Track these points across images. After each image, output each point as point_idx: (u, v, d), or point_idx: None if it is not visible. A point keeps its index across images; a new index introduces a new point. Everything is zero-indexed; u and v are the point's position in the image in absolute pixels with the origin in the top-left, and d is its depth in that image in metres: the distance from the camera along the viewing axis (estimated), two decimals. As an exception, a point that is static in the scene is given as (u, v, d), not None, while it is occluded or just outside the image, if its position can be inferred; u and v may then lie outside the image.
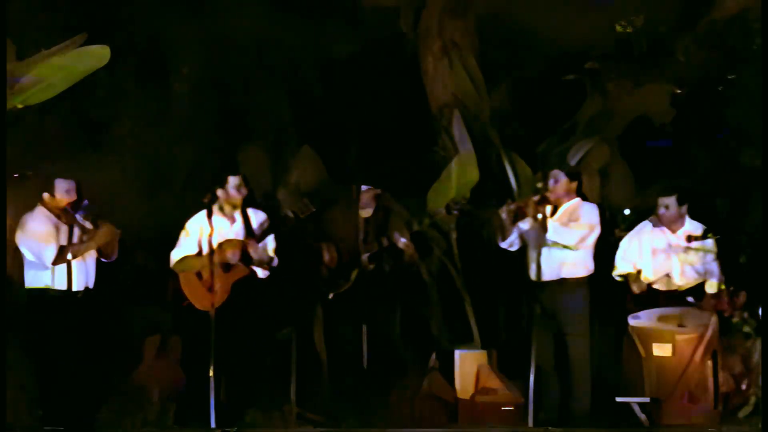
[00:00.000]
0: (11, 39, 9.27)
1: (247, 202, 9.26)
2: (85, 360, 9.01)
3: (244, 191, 9.15)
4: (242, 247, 9.05)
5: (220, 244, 8.99)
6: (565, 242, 9.02)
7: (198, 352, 8.87)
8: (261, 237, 9.13)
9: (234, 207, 9.16)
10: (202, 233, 9.07)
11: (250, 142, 11.00)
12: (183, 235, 9.19)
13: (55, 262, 8.87)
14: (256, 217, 9.23)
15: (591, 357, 9.14)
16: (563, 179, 9.20)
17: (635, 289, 9.25)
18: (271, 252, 9.18)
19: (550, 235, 9.00)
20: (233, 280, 9.02)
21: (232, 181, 9.13)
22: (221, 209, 9.14)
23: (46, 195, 9.01)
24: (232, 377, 9.02)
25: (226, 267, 9.03)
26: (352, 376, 9.56)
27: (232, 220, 9.18)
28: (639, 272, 9.30)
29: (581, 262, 9.14)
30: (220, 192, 9.11)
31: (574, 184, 9.25)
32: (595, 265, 9.19)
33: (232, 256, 8.97)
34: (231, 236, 9.09)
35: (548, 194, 9.14)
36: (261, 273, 9.19)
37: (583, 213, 9.16)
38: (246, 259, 9.07)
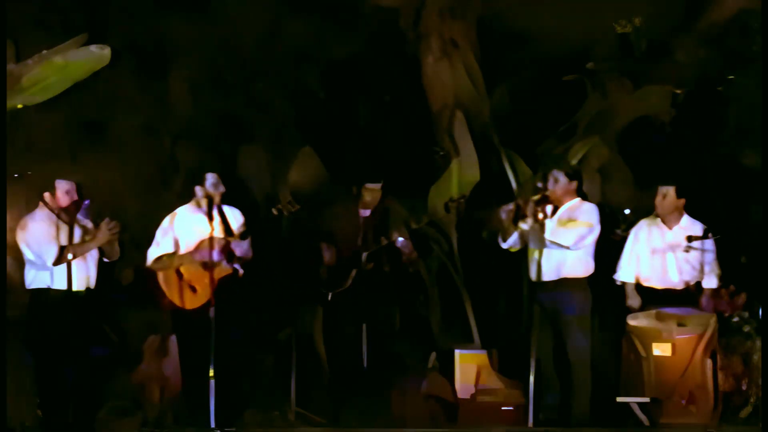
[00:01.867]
0: (11, 39, 9.28)
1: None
2: (85, 360, 9.01)
3: (222, 188, 9.13)
4: (224, 245, 9.03)
5: (202, 242, 8.98)
6: (563, 242, 9.02)
7: (195, 351, 8.86)
8: (241, 235, 9.11)
9: (212, 204, 9.12)
10: (181, 231, 9.07)
11: (250, 142, 11.00)
12: (159, 233, 9.17)
13: (56, 263, 8.87)
14: (233, 214, 9.21)
15: (591, 357, 9.15)
16: (563, 179, 9.20)
17: (629, 303, 9.29)
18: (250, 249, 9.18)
19: (548, 236, 9.00)
20: (216, 278, 8.97)
21: (210, 178, 9.12)
22: (198, 206, 9.13)
23: (46, 195, 9.01)
24: (227, 377, 9.01)
25: (208, 265, 8.97)
26: (352, 376, 9.56)
27: (210, 217, 9.15)
28: (638, 282, 9.37)
29: (581, 262, 9.13)
30: (198, 189, 9.09)
31: (574, 184, 9.25)
32: (596, 265, 9.20)
33: (208, 254, 8.94)
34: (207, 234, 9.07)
35: (548, 194, 9.14)
36: (242, 271, 9.18)
37: (582, 213, 9.16)
38: (228, 257, 9.05)
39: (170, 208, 9.29)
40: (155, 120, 10.80)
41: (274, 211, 9.07)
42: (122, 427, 9.38)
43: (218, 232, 9.03)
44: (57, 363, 8.87)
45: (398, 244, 9.35)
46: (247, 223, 9.13)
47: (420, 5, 11.16)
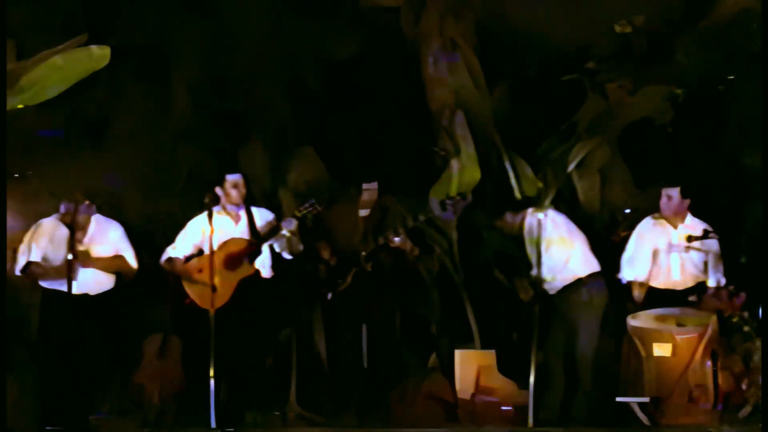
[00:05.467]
0: (11, 39, 9.28)
1: (250, 202, 9.30)
2: (88, 360, 9.02)
3: (243, 190, 9.18)
4: (246, 246, 9.07)
5: (225, 243, 9.01)
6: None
7: (199, 352, 8.87)
8: (267, 236, 9.15)
9: (236, 206, 9.19)
10: (204, 234, 9.09)
11: (250, 142, 11.00)
12: (181, 235, 9.21)
13: (65, 267, 8.86)
14: (262, 215, 9.25)
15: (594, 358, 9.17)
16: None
17: (635, 295, 9.29)
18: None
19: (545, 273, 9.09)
20: (238, 279, 9.02)
21: (230, 179, 9.18)
22: (224, 209, 9.16)
23: (66, 202, 9.07)
24: (232, 377, 9.03)
25: (231, 266, 9.03)
26: (352, 376, 9.56)
27: (237, 219, 9.21)
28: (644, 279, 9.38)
29: (582, 261, 9.14)
30: (219, 191, 9.15)
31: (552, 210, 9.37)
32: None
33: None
34: (236, 236, 9.11)
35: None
36: (265, 273, 9.21)
37: (560, 229, 9.22)
38: (251, 257, 9.09)
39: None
40: (155, 120, 10.80)
41: (297, 214, 9.10)
42: (122, 427, 9.39)
43: (245, 234, 9.09)
44: (63, 363, 8.88)
45: (394, 243, 9.36)
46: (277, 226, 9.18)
47: (420, 5, 11.16)
